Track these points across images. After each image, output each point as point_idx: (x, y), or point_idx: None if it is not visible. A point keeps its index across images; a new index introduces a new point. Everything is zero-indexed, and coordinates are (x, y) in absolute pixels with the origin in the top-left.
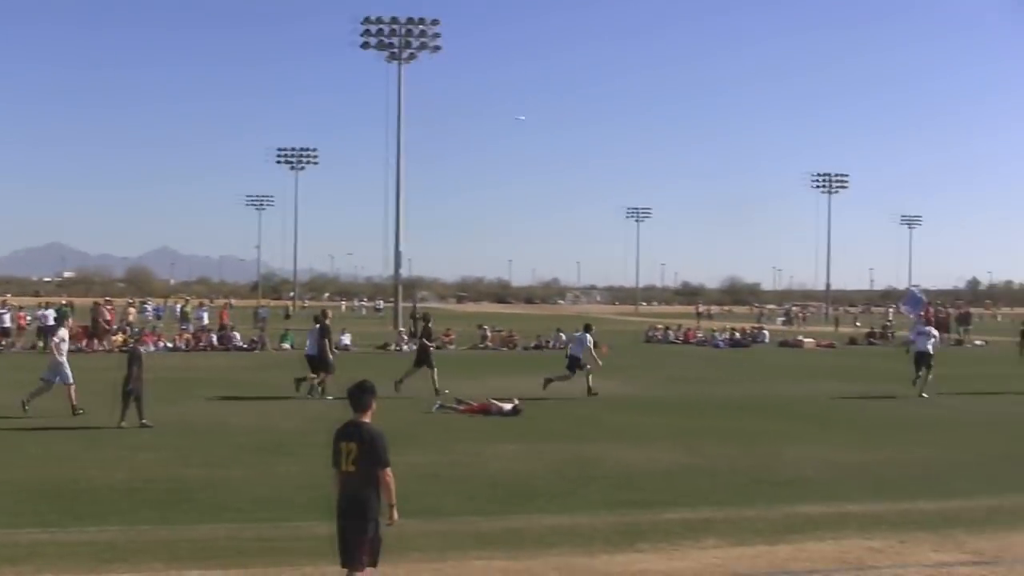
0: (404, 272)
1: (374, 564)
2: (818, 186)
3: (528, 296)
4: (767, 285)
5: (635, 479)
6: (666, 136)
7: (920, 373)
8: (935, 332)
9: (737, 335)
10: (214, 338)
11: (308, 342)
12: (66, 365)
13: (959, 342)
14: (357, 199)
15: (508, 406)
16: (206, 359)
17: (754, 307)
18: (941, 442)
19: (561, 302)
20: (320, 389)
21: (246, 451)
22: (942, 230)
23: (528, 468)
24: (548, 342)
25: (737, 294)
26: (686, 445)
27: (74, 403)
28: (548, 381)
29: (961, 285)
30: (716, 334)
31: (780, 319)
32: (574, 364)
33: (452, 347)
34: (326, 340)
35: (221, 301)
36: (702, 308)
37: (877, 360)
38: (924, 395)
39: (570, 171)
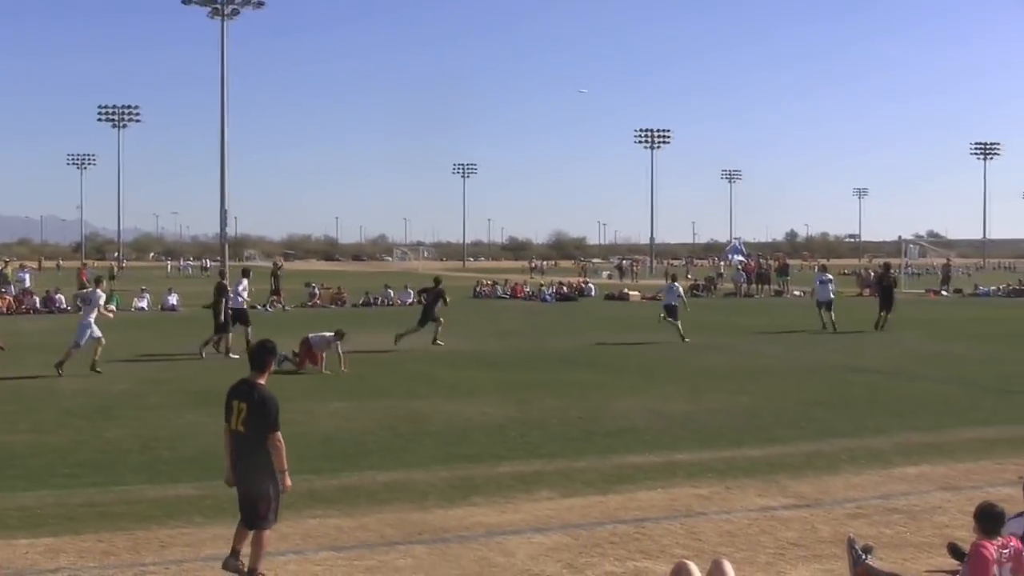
0: (230, 231)
1: (268, 524)
2: (641, 141)
3: (356, 253)
4: (593, 239)
5: (468, 434)
6: (490, 93)
7: (824, 317)
8: (831, 278)
9: (565, 289)
10: (37, 301)
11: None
12: None
13: (779, 292)
14: (182, 157)
15: (330, 334)
16: (30, 323)
17: (580, 261)
18: (763, 391)
19: (389, 259)
20: (223, 349)
21: (75, 415)
22: (762, 184)
23: (361, 425)
24: (377, 299)
25: (563, 248)
26: (517, 399)
27: None
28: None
29: (780, 237)
30: (544, 288)
31: (605, 273)
32: (672, 312)
33: (279, 306)
34: (223, 300)
35: (51, 263)
36: (534, 263)
37: (700, 312)
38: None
39: (397, 127)
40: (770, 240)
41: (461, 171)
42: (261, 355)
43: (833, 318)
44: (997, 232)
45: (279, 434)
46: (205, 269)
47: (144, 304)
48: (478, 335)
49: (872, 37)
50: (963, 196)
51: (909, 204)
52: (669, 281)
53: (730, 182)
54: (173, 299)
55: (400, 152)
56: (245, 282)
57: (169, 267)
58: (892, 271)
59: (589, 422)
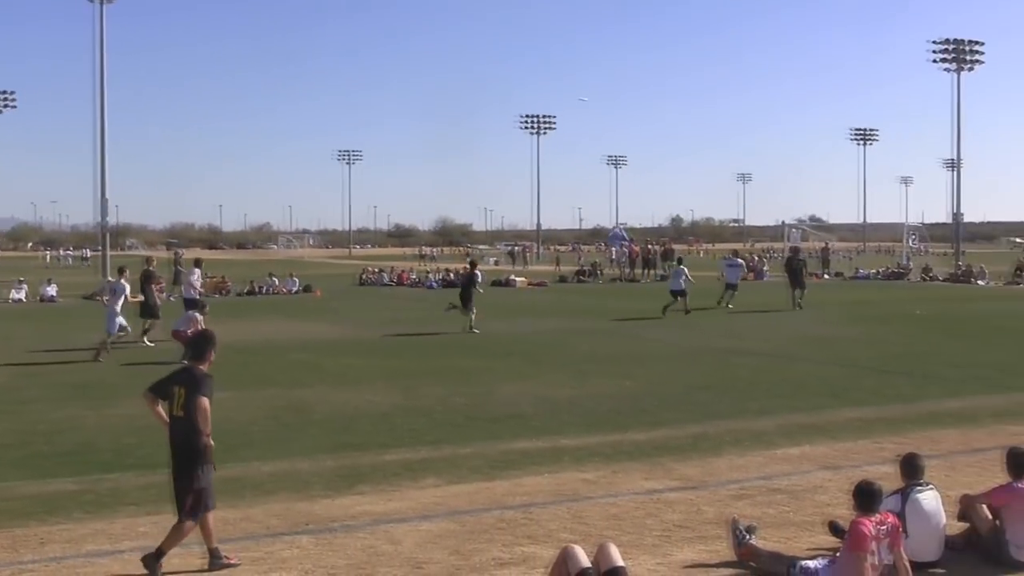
0: (111, 220)
1: (193, 517)
2: (526, 127)
3: (240, 242)
4: (479, 226)
5: (354, 422)
6: (376, 76)
7: (726, 296)
8: (741, 262)
9: (451, 276)
10: None
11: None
12: None
13: (664, 277)
14: (60, 144)
15: (189, 312)
16: None
17: (466, 247)
18: (649, 375)
19: (274, 247)
20: (139, 334)
21: None
22: (646, 170)
23: (245, 416)
24: (261, 287)
25: (449, 235)
26: (403, 386)
27: None
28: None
29: (665, 223)
30: (430, 275)
31: (492, 259)
32: (683, 294)
33: (163, 295)
34: (151, 287)
35: None
36: (425, 250)
37: (583, 297)
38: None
39: (279, 112)
40: (655, 225)
41: (346, 157)
42: (202, 344)
43: (729, 299)
44: (876, 216)
45: (206, 399)
46: (85, 259)
47: (21, 295)
48: (364, 323)
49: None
50: (843, 181)
51: (791, 189)
52: (676, 265)
53: (615, 167)
54: (52, 290)
55: (283, 138)
56: (198, 272)
57: (48, 257)
58: (800, 254)
59: (475, 408)
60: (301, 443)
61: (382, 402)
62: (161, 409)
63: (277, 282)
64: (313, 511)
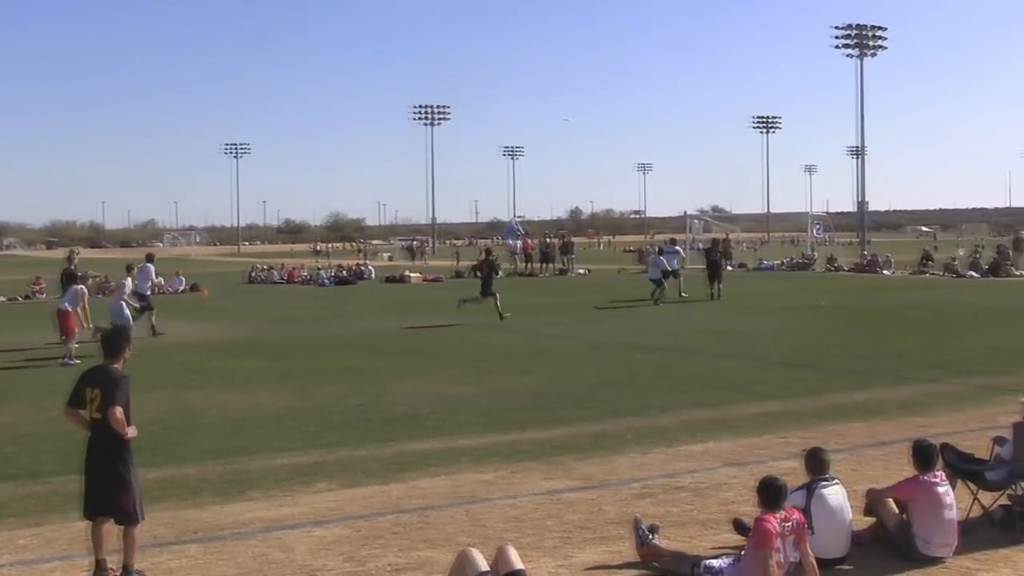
0: None
1: (141, 517)
2: (420, 118)
3: (124, 240)
4: (372, 220)
5: (244, 425)
6: (263, 65)
7: (657, 292)
8: (679, 250)
9: (344, 272)
10: None
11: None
12: None
13: (563, 271)
14: None
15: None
16: None
17: (359, 242)
18: (548, 371)
19: (159, 245)
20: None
21: None
22: (544, 160)
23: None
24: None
25: (342, 230)
26: (295, 387)
27: None
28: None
29: (564, 215)
30: (321, 272)
31: (386, 255)
32: (661, 282)
33: (43, 296)
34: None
35: None
36: (319, 246)
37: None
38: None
39: (163, 103)
40: (554, 218)
41: (233, 151)
42: (116, 341)
43: (710, 291)
44: (780, 206)
45: (119, 409)
46: None
47: None
48: (253, 322)
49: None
50: (746, 170)
51: (693, 179)
52: (657, 255)
53: (512, 158)
54: None
55: (168, 131)
56: (151, 268)
57: None
58: (720, 246)
59: (369, 409)
60: (189, 448)
61: (273, 404)
62: (83, 414)
63: (163, 281)
64: (202, 519)
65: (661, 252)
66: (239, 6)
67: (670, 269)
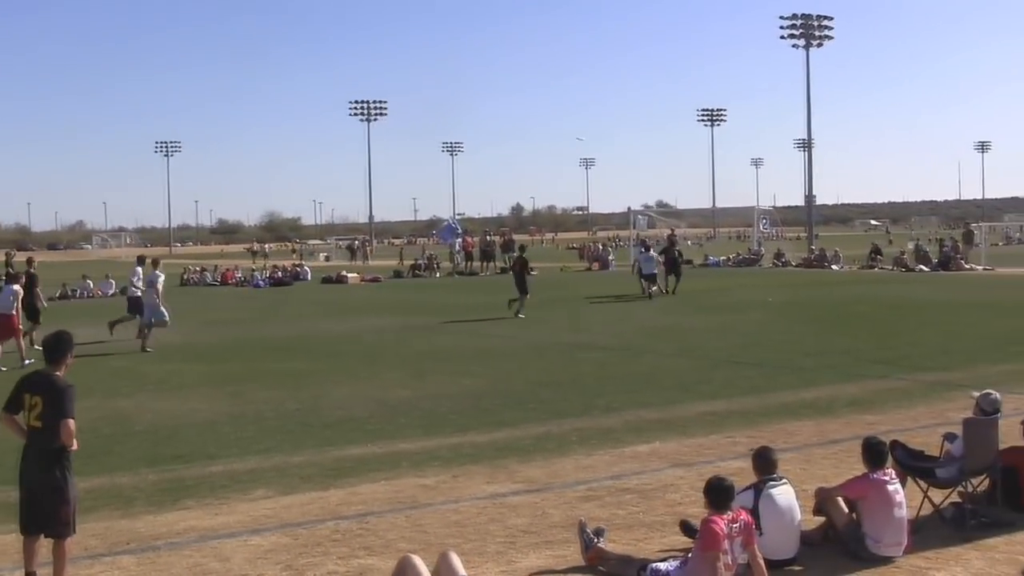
0: None
1: (73, 530)
2: (356, 114)
3: (51, 242)
4: (308, 219)
5: (177, 432)
6: (194, 62)
7: (650, 286)
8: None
9: (279, 273)
10: None
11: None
12: None
13: (504, 270)
14: None
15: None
16: None
17: (295, 243)
18: (490, 372)
19: (88, 247)
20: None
21: None
22: (485, 157)
23: None
24: (75, 291)
25: (277, 230)
26: (230, 392)
27: None
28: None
29: (506, 212)
30: (256, 273)
31: (323, 255)
32: (650, 278)
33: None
34: (34, 289)
35: None
36: (256, 246)
37: (420, 292)
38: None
39: (90, 100)
40: (495, 215)
41: (164, 149)
42: (59, 346)
43: (664, 286)
44: (727, 200)
45: (72, 422)
46: None
47: None
48: (186, 326)
49: None
50: (692, 164)
51: (638, 174)
52: (646, 252)
53: (451, 155)
54: None
55: (96, 128)
56: (139, 271)
57: None
58: (676, 242)
59: (307, 414)
60: (121, 456)
61: (208, 410)
62: (19, 419)
63: (92, 285)
64: (135, 528)
65: (647, 248)
66: (166, 0)
67: (650, 272)
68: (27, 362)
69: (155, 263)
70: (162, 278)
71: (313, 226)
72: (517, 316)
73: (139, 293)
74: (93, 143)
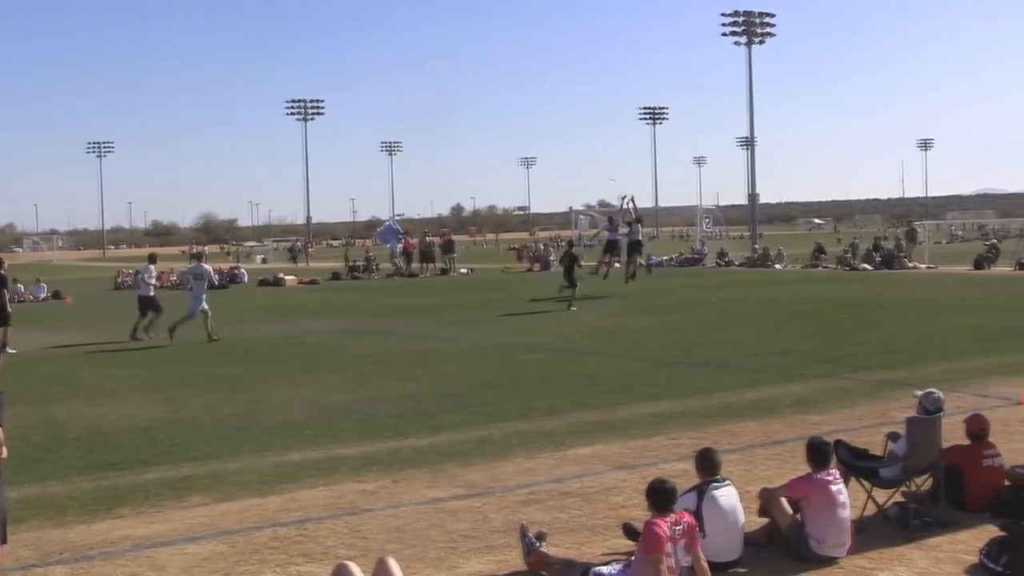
0: None
1: (3, 540)
2: (294, 113)
3: None
4: (245, 221)
5: (111, 439)
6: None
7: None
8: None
9: (216, 276)
10: None
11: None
12: None
13: (445, 271)
14: None
15: None
16: None
17: (231, 244)
18: (430, 375)
19: (19, 250)
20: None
21: None
22: (424, 156)
23: None
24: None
25: (213, 232)
26: (165, 397)
27: None
28: None
29: (446, 212)
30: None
31: (259, 257)
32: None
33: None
34: (4, 291)
35: None
36: (195, 248)
37: (359, 294)
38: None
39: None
40: (435, 215)
41: (96, 149)
42: None
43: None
44: (670, 199)
45: (0, 430)
46: None
47: None
48: (121, 330)
49: None
50: (634, 163)
51: (580, 173)
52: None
53: (390, 154)
54: None
55: (26, 128)
56: (152, 268)
57: None
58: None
59: (244, 419)
60: (53, 464)
61: (142, 416)
62: None
63: (23, 289)
64: (68, 538)
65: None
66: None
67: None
68: None
69: (199, 256)
70: (211, 272)
71: (249, 228)
72: (569, 309)
73: (152, 292)
74: (23, 144)
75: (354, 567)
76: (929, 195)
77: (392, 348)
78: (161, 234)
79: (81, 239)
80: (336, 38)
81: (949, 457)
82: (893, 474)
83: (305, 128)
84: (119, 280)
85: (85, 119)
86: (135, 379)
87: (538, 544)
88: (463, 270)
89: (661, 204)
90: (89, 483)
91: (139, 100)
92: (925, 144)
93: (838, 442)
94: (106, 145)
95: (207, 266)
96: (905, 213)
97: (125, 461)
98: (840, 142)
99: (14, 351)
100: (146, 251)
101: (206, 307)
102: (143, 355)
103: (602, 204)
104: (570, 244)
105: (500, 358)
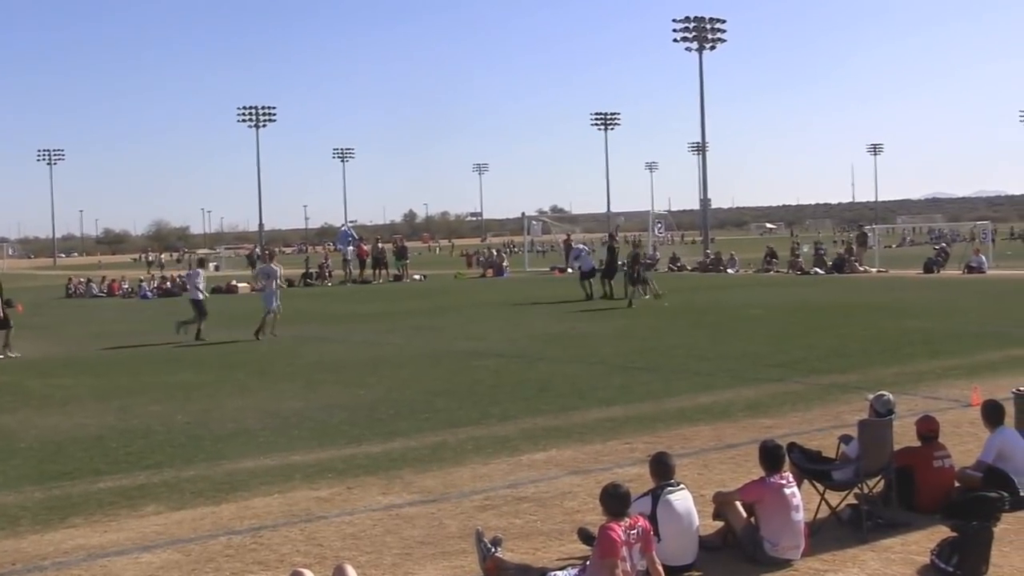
0: None
1: None
2: (245, 120)
3: None
4: (197, 228)
5: (63, 448)
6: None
7: (593, 287)
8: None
9: (168, 284)
10: None
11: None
12: None
13: (398, 277)
14: None
15: None
16: None
17: (181, 251)
18: (384, 382)
19: None
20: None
21: None
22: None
23: None
24: None
25: (165, 239)
26: (118, 406)
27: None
28: None
29: (399, 219)
30: (144, 284)
31: (212, 265)
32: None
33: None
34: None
35: None
36: (151, 256)
37: (312, 301)
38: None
39: None
40: (388, 222)
41: (46, 157)
42: None
43: (604, 288)
44: (622, 205)
45: None
46: None
47: None
48: (71, 338)
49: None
50: (586, 169)
51: (532, 179)
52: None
53: (343, 161)
54: None
55: None
56: (202, 273)
57: None
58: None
59: (197, 427)
60: (5, 474)
61: (94, 424)
62: None
63: None
64: (21, 548)
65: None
66: (47, 4)
67: (589, 268)
68: None
69: (271, 256)
70: (279, 272)
71: (201, 235)
72: (631, 306)
73: (200, 296)
74: None
75: (310, 574)
76: (880, 199)
77: (345, 355)
78: (113, 242)
79: (32, 247)
80: (288, 45)
81: (901, 459)
82: (846, 476)
83: (257, 135)
84: (70, 288)
85: (35, 127)
86: (86, 387)
87: (494, 549)
88: (416, 276)
89: (613, 209)
90: (41, 492)
91: (90, 107)
92: (875, 149)
93: (791, 445)
94: (56, 153)
95: (276, 266)
96: (856, 217)
97: (78, 470)
98: (791, 147)
99: (15, 355)
100: (98, 259)
101: (279, 303)
102: (95, 363)
103: (554, 209)
104: (635, 244)
105: (453, 364)
